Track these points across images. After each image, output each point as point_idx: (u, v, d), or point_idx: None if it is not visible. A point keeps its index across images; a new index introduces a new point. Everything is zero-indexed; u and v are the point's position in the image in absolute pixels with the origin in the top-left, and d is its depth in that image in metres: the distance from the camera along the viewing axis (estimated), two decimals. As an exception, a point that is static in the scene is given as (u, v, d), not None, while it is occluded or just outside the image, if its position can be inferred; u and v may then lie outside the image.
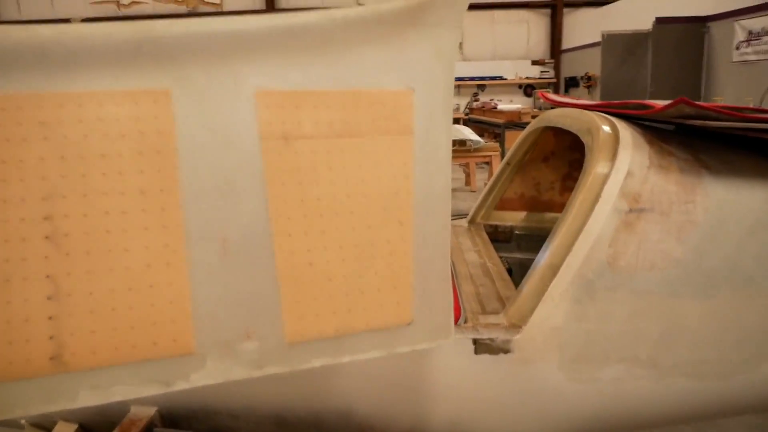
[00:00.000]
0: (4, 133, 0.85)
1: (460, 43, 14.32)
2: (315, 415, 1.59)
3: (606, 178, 1.50)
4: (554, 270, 1.50)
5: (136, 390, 0.88)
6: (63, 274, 0.87)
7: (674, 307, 1.53)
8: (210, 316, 0.93)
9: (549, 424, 1.61)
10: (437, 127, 1.14)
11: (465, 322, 1.58)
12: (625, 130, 1.60)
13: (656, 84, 8.51)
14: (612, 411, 1.62)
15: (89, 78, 0.90)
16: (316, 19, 1.02)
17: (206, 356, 0.92)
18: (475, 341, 1.51)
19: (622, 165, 1.51)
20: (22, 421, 1.56)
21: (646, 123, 1.82)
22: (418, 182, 1.09)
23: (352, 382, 1.57)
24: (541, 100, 11.14)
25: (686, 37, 8.43)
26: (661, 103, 1.58)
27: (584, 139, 1.67)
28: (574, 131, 1.77)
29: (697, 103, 1.41)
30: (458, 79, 14.26)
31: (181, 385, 0.91)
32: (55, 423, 1.52)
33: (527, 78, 14.39)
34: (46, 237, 0.88)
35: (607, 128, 1.61)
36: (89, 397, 0.85)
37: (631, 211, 1.49)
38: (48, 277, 0.87)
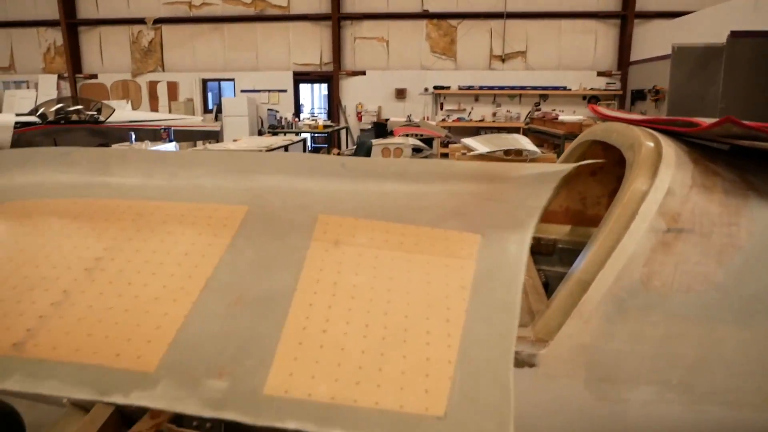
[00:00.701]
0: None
1: (524, 52, 14.14)
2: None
3: (645, 195, 1.47)
4: (585, 286, 1.48)
5: (67, 389, 0.85)
6: (78, 291, 0.99)
7: (711, 332, 1.48)
8: (189, 346, 0.92)
9: (573, 442, 1.59)
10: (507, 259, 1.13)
11: (491, 332, 1.57)
12: (670, 147, 1.57)
13: (727, 100, 8.13)
14: (640, 434, 1.58)
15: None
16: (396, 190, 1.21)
17: (160, 380, 0.86)
18: (500, 352, 1.51)
19: (663, 183, 1.47)
20: (64, 401, 1.67)
21: (698, 142, 1.77)
22: (476, 293, 1.05)
23: None
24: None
25: (762, 52, 8.02)
26: (708, 121, 1.54)
27: (626, 154, 1.64)
28: (618, 146, 1.74)
29: (745, 123, 1.36)
30: (520, 88, 14.09)
31: (116, 398, 0.84)
32: (93, 404, 1.61)
33: (592, 89, 14.04)
34: (86, 269, 1.04)
35: (650, 144, 1.58)
36: (19, 384, 0.85)
37: (669, 230, 1.46)
38: (65, 291, 1.00)
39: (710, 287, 1.47)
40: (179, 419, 1.48)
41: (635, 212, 1.46)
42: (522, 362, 1.50)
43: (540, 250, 2.52)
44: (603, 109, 2.13)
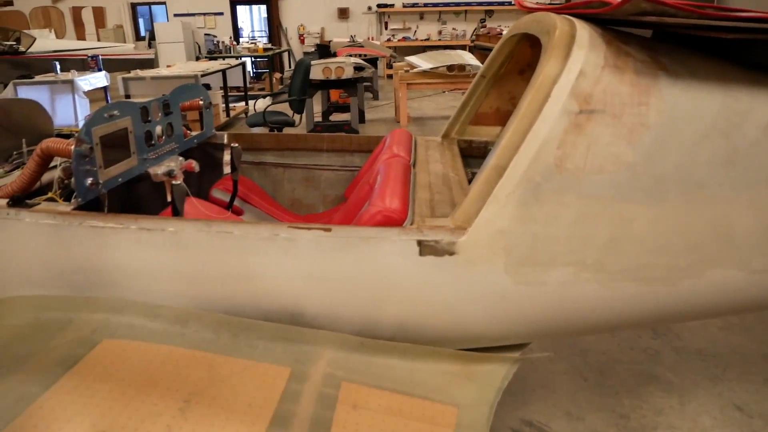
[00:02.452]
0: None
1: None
2: (264, 315, 1.63)
3: (557, 77, 1.46)
4: (500, 172, 1.48)
5: None
6: (177, 427, 1.31)
7: (622, 211, 1.53)
8: None
9: (496, 326, 1.65)
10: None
11: (411, 224, 1.58)
12: (584, 30, 1.55)
13: None
14: (558, 314, 1.65)
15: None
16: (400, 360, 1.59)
17: None
18: (419, 243, 1.52)
19: (575, 65, 1.46)
20: None
21: (623, 30, 1.76)
22: None
23: (298, 283, 1.60)
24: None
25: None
26: None
27: (542, 40, 1.61)
28: (536, 33, 1.71)
29: (654, -2, 1.34)
30: (465, 4, 13.78)
31: None
32: None
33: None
34: (179, 408, 1.35)
35: (564, 28, 1.55)
36: None
37: (581, 112, 1.46)
38: (168, 425, 1.31)
39: (621, 167, 1.50)
40: None
41: (548, 95, 1.45)
42: (442, 251, 1.52)
43: (471, 153, 2.52)
44: (525, 2, 2.08)
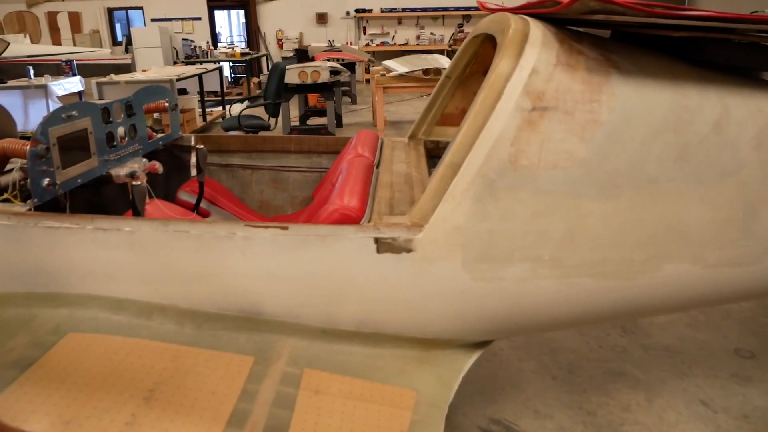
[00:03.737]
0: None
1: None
2: (222, 314, 1.63)
3: (509, 75, 1.48)
4: (455, 169, 1.50)
5: None
6: (142, 415, 1.33)
7: (577, 207, 1.54)
8: None
9: (455, 323, 1.65)
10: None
11: (369, 222, 1.59)
12: (537, 29, 1.57)
13: None
14: (517, 310, 1.66)
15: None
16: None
17: None
18: (376, 240, 1.53)
19: (527, 63, 1.48)
20: None
21: (583, 30, 1.78)
22: None
23: (257, 281, 1.60)
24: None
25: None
26: (573, -1, 1.54)
27: (498, 39, 1.63)
28: (493, 33, 1.73)
29: (602, -4, 1.37)
30: (443, 9, 13.88)
31: None
32: None
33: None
34: (144, 398, 1.37)
35: (518, 26, 1.57)
36: None
37: (534, 109, 1.48)
38: (133, 414, 1.33)
39: (574, 163, 1.52)
40: None
41: (501, 92, 1.47)
42: (399, 248, 1.52)
43: (438, 154, 2.53)
44: (487, 3, 2.10)
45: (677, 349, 2.92)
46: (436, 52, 12.48)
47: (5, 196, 1.82)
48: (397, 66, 7.36)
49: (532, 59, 1.49)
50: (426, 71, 7.13)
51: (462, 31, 13.21)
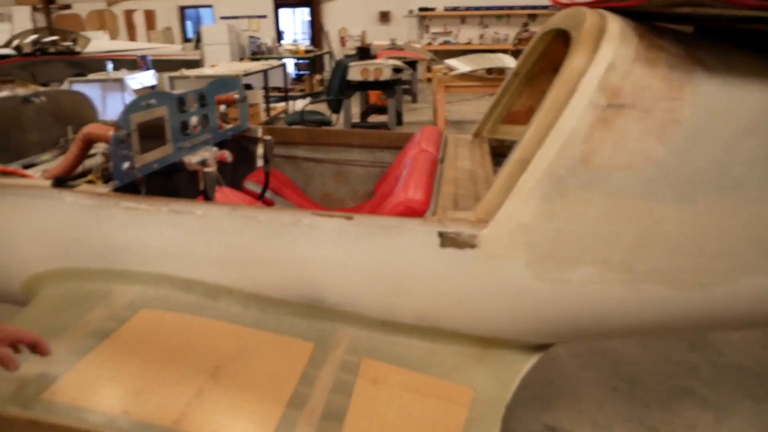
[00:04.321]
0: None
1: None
2: (285, 299, 1.66)
3: (584, 70, 1.43)
4: (523, 165, 1.46)
5: None
6: (209, 389, 1.37)
7: (651, 210, 1.48)
8: None
9: (515, 323, 1.62)
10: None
11: (433, 215, 1.58)
12: (615, 23, 1.51)
13: None
14: (581, 314, 1.61)
15: None
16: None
17: None
18: (440, 234, 1.51)
19: (604, 58, 1.43)
20: None
21: (665, 26, 1.71)
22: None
23: (320, 269, 1.62)
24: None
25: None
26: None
27: (572, 34, 1.58)
28: (567, 28, 1.69)
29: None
30: (508, 8, 13.66)
31: None
32: None
33: None
34: (211, 374, 1.41)
35: (594, 20, 1.52)
36: None
37: (609, 106, 1.43)
38: (200, 388, 1.37)
39: (651, 164, 1.45)
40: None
41: (574, 88, 1.42)
42: (463, 243, 1.51)
43: (502, 152, 2.49)
44: (561, -2, 2.05)
45: (751, 369, 2.76)
46: (500, 51, 12.31)
47: (89, 177, 1.91)
48: (460, 65, 7.30)
49: (609, 54, 1.44)
50: (489, 70, 7.03)
51: (527, 30, 12.96)
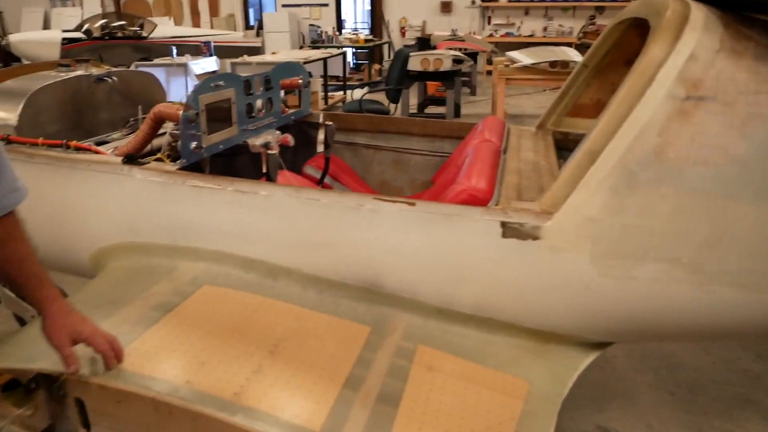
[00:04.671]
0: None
1: (580, -40, 13.16)
2: (343, 283, 1.67)
3: (663, 60, 1.37)
4: (593, 157, 1.42)
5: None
6: (267, 366, 1.40)
7: (727, 209, 1.41)
8: (340, 415, 1.28)
9: (575, 319, 1.59)
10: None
11: (496, 204, 1.56)
12: (699, 11, 1.44)
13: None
14: (645, 313, 1.56)
15: None
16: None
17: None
18: (503, 224, 1.49)
19: (685, 47, 1.37)
20: None
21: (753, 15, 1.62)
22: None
23: (379, 254, 1.63)
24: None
25: None
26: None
27: (652, 22, 1.52)
28: (645, 16, 1.62)
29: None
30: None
31: None
32: None
33: None
34: (270, 351, 1.44)
35: (676, 8, 1.46)
36: (242, 421, 1.23)
37: (688, 98, 1.37)
38: (259, 364, 1.39)
39: (729, 161, 1.39)
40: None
41: (652, 78, 1.37)
42: (525, 234, 1.48)
43: (567, 146, 2.43)
44: (638, -15, 1.97)
45: (823, 384, 2.61)
46: (564, 45, 11.99)
47: (158, 156, 1.99)
48: (523, 57, 7.15)
49: (691, 44, 1.37)
50: (553, 63, 6.86)
51: (593, 23, 12.53)
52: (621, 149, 1.39)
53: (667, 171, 1.39)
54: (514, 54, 7.51)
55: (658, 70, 1.37)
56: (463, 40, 10.60)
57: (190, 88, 8.33)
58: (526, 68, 7.07)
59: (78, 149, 2.04)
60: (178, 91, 8.40)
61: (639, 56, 1.44)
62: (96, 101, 2.62)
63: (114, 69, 2.81)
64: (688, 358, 2.80)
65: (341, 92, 9.78)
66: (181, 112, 1.86)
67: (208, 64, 9.03)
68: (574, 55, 7.25)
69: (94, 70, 2.67)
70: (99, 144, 2.25)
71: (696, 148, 1.38)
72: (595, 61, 2.34)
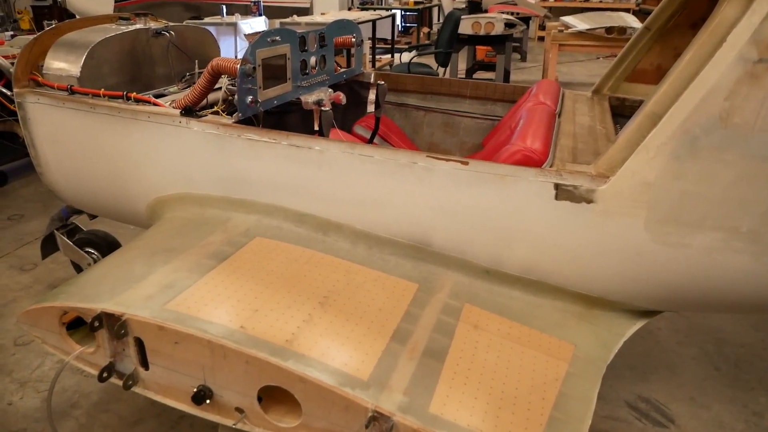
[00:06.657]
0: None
1: None
2: (392, 239, 1.70)
3: (736, 21, 1.31)
4: (655, 120, 1.39)
5: (321, 377, 1.28)
6: (317, 316, 1.44)
7: None
8: (387, 368, 1.32)
9: (625, 285, 1.58)
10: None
11: (551, 166, 1.54)
12: (779, -30, 1.37)
13: None
14: (698, 283, 1.53)
15: None
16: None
17: (370, 386, 1.27)
18: (557, 186, 1.48)
19: (762, 7, 1.30)
20: None
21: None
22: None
23: (430, 212, 1.64)
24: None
25: None
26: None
27: (725, -20, 1.45)
28: (718, -25, 1.55)
29: None
30: (636, -38, 12.60)
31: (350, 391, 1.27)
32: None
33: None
34: (320, 302, 1.49)
35: None
36: (293, 366, 1.28)
37: (760, 61, 1.31)
38: (309, 314, 1.44)
39: None
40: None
41: (722, 39, 1.31)
42: (579, 197, 1.47)
43: (623, 112, 2.37)
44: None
45: None
46: (622, 11, 11.48)
47: (215, 108, 2.03)
48: (577, 22, 6.90)
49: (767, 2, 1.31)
50: (609, 30, 6.60)
51: (653, -11, 11.95)
52: (685, 112, 1.35)
53: (733, 137, 1.35)
54: (568, 19, 7.26)
55: (730, 30, 1.32)
56: (515, 4, 10.27)
57: (240, 47, 8.40)
58: (580, 34, 6.84)
59: (138, 101, 2.11)
60: (227, 50, 8.48)
61: (710, 16, 1.39)
62: (154, 55, 2.67)
63: (171, 24, 2.86)
64: (735, 333, 2.75)
65: (389, 55, 9.68)
66: (238, 66, 1.89)
67: (258, 23, 9.05)
68: (631, 21, 6.96)
69: (153, 24, 2.72)
70: (157, 97, 2.31)
71: (765, 115, 1.33)
72: (658, 24, 2.25)
